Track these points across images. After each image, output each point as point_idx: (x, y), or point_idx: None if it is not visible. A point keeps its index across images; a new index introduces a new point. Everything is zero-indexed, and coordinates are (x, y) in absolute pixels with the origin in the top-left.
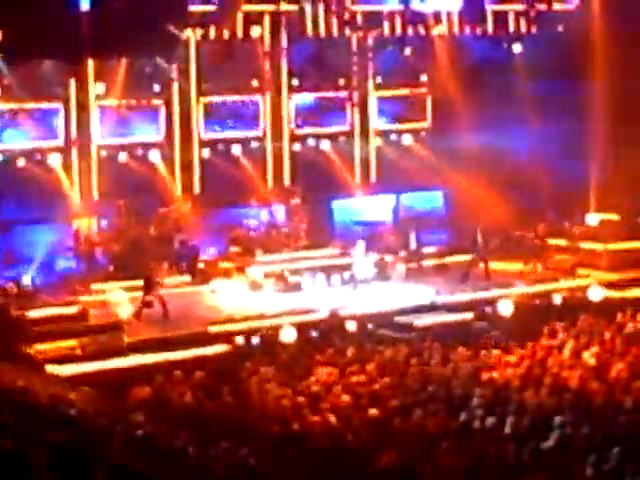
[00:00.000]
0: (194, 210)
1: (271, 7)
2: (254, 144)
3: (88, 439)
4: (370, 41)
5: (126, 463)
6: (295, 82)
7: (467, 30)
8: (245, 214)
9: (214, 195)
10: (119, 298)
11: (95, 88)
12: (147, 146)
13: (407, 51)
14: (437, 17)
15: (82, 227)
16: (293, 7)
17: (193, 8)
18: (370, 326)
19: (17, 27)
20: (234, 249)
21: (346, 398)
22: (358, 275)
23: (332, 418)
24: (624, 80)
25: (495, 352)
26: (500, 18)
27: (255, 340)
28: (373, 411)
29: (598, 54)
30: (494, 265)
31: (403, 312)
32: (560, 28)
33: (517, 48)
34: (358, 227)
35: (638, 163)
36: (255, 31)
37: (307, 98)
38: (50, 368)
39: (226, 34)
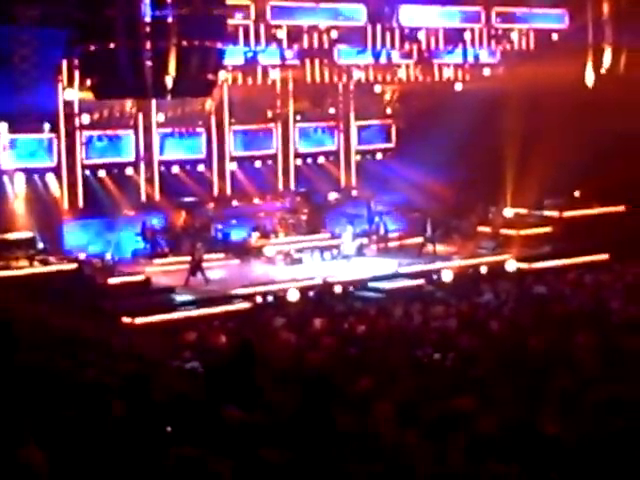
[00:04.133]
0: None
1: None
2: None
3: (150, 370)
4: (351, 86)
5: (175, 386)
6: (298, 117)
7: (420, 77)
8: (264, 209)
9: (241, 196)
10: None
11: (156, 118)
12: (194, 161)
13: (377, 90)
14: (398, 67)
15: (148, 220)
16: (296, 62)
17: (226, 61)
18: (351, 289)
19: (102, 77)
20: (255, 234)
21: (333, 340)
22: (344, 252)
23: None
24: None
25: (440, 307)
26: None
27: (270, 299)
28: (353, 350)
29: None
30: (439, 246)
31: (375, 279)
32: (486, 73)
33: (458, 86)
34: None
35: (540, 168)
36: (272, 74)
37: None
38: (125, 319)
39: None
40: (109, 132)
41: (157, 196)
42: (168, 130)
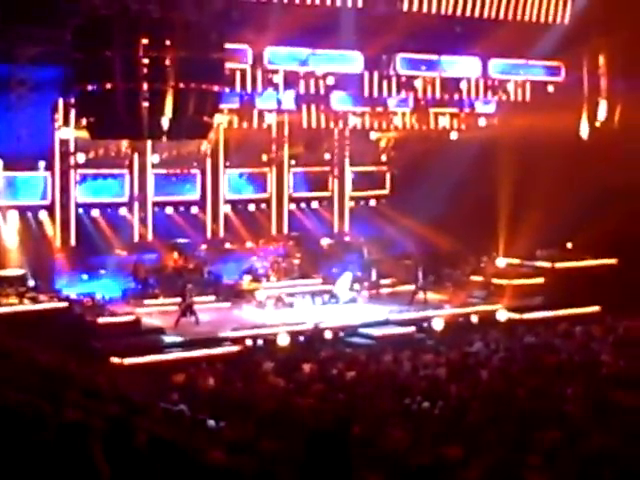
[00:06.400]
0: (218, 248)
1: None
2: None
3: (135, 412)
4: (347, 132)
5: (159, 431)
6: (292, 162)
7: (416, 125)
8: (255, 252)
9: (233, 238)
10: None
11: (151, 159)
12: (188, 203)
13: (373, 137)
14: (394, 115)
15: (139, 259)
16: (292, 107)
17: (222, 105)
18: (342, 335)
19: (99, 116)
20: (247, 277)
21: (322, 386)
22: (339, 297)
23: (312, 400)
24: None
25: (430, 355)
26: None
27: (259, 342)
28: (342, 396)
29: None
30: (431, 294)
31: (366, 325)
32: (482, 124)
33: (454, 135)
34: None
35: (533, 219)
36: (268, 118)
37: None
38: (113, 359)
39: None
40: (104, 172)
41: (150, 236)
42: (163, 171)
